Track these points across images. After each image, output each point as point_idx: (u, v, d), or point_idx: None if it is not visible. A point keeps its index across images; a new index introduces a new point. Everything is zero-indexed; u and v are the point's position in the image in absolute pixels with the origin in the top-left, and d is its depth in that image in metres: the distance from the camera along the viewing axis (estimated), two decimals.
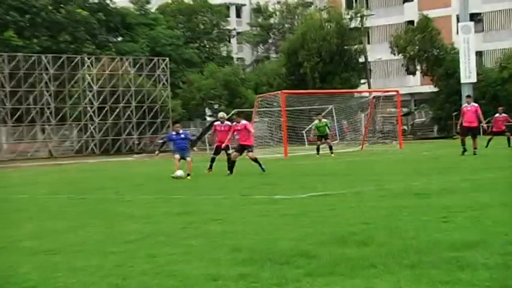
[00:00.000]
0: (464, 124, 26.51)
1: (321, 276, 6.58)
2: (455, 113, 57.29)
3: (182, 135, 22.67)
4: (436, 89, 62.38)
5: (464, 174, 17.55)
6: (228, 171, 22.10)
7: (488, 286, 5.96)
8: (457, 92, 57.33)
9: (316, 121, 34.51)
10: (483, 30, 71.33)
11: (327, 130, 34.19)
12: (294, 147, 38.92)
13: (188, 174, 21.52)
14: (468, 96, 28.99)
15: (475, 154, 25.30)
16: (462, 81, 56.13)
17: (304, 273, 6.75)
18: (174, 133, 22.95)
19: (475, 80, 56.26)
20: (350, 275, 6.58)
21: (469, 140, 26.11)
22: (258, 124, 43.34)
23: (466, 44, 56.42)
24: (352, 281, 6.39)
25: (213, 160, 23.89)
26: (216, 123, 25.18)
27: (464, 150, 25.71)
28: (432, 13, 64.10)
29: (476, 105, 27.12)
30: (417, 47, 61.10)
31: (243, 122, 22.90)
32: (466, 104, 27.13)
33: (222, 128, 23.85)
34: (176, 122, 24.63)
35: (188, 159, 21.98)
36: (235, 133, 23.11)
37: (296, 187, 16.23)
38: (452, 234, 8.39)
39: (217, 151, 24.00)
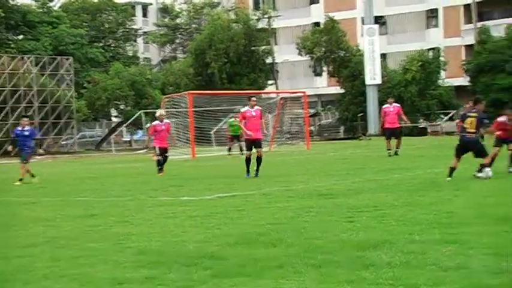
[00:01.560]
0: (386, 126, 26.20)
1: (227, 278, 6.56)
2: (360, 114, 58.44)
3: (26, 133, 21.30)
4: (342, 90, 63.41)
5: (370, 174, 17.88)
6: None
7: (392, 284, 6.06)
8: (363, 94, 58.50)
9: (232, 119, 34.45)
10: (387, 32, 73.03)
11: (240, 131, 34.15)
12: (202, 148, 38.81)
13: (20, 179, 20.85)
14: (390, 97, 28.63)
15: (396, 154, 25.18)
16: (367, 82, 57.32)
17: (211, 274, 6.72)
18: (19, 128, 21.50)
19: (379, 82, 57.53)
20: (257, 276, 6.57)
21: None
22: None
23: (371, 46, 57.66)
24: (259, 281, 6.39)
25: (162, 162, 22.06)
26: (154, 122, 22.83)
27: (390, 153, 25.52)
28: (338, 15, 65.14)
29: (398, 105, 26.98)
30: (324, 49, 61.97)
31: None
32: (388, 105, 26.71)
33: (163, 127, 22.26)
34: (25, 117, 22.70)
35: (26, 165, 21.12)
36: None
37: (203, 188, 16.17)
38: (358, 234, 8.52)
39: (162, 152, 22.11)
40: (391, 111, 26.20)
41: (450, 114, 57.05)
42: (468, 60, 61.01)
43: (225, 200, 13.35)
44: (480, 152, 15.34)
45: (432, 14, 72.22)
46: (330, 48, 61.61)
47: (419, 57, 58.92)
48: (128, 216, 11.46)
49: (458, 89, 61.88)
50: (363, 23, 63.45)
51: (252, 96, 19.76)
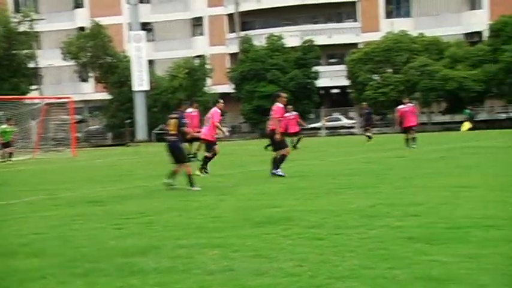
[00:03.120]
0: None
1: None
2: (128, 121, 58.28)
3: None
4: (110, 97, 62.88)
5: (138, 181, 17.86)
6: None
7: None
8: (130, 100, 58.43)
9: (5, 125, 33.26)
10: (154, 39, 73.50)
11: (11, 137, 33.23)
12: None
13: None
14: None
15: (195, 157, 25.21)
16: (135, 89, 57.35)
17: None
18: None
19: (147, 88, 57.78)
20: None
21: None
22: None
23: (138, 53, 57.76)
24: None
25: None
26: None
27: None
28: (104, 20, 64.52)
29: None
30: (89, 54, 61.11)
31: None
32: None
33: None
34: None
35: None
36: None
37: None
38: (125, 241, 8.47)
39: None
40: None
41: None
42: (232, 68, 63.07)
43: None
44: (178, 158, 14.90)
45: (198, 22, 73.79)
46: (96, 54, 60.94)
47: (185, 65, 59.97)
48: None
49: (224, 96, 63.80)
50: (129, 29, 63.35)
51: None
